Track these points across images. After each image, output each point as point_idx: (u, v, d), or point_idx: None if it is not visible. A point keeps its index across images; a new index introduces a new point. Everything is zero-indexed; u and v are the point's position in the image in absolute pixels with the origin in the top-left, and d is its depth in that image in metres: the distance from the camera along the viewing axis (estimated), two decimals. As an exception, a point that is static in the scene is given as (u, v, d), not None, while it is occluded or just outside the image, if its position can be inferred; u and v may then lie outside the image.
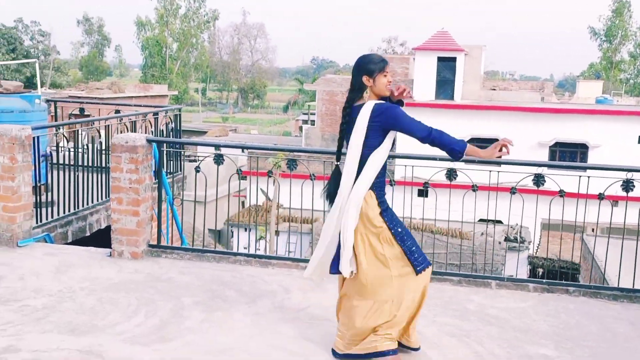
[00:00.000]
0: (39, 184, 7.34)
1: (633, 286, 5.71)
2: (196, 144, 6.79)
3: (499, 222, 23.22)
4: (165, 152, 7.04)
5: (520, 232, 25.05)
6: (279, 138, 44.93)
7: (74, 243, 7.18)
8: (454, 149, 3.86)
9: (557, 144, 27.53)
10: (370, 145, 3.91)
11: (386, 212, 4.00)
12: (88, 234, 7.52)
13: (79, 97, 31.73)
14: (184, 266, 5.98)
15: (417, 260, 4.01)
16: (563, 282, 5.69)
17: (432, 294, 5.46)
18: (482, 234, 24.01)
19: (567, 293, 5.59)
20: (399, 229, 4.00)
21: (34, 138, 6.48)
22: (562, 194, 5.69)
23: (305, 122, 51.32)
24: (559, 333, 4.78)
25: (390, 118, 3.86)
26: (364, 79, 3.93)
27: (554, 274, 21.51)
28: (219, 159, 6.01)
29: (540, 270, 25.62)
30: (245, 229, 25.52)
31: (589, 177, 5.56)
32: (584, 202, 5.80)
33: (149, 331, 4.51)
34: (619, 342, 4.69)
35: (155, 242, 6.31)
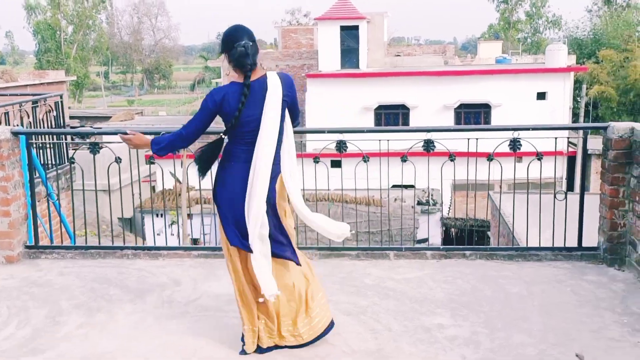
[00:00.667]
0: None
1: (540, 240, 5.74)
2: (68, 134, 6.31)
3: (411, 186, 23.62)
4: (39, 144, 6.52)
5: (431, 195, 25.48)
6: (187, 117, 43.84)
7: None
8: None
9: (461, 106, 28.05)
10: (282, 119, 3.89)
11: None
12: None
13: None
14: (65, 266, 5.56)
15: None
16: (459, 246, 5.64)
17: (329, 270, 5.33)
18: (396, 199, 24.29)
19: (465, 257, 5.54)
20: None
21: None
22: (452, 158, 5.60)
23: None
24: (454, 300, 4.71)
25: (292, 87, 3.94)
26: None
27: (467, 233, 22.09)
28: (94, 148, 5.58)
29: (453, 231, 26.27)
30: (158, 215, 24.81)
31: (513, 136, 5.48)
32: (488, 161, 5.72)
33: (20, 343, 4.12)
34: (513, 303, 4.66)
35: (34, 243, 5.83)
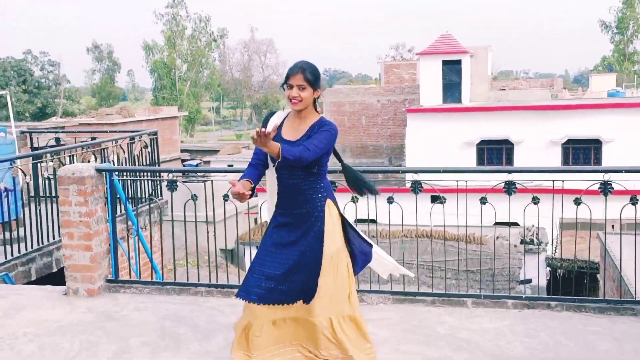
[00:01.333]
0: (6, 220, 7.09)
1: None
2: (145, 171, 6.48)
3: (515, 224, 22.69)
4: (127, 181, 6.72)
5: (536, 234, 24.40)
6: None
7: (38, 281, 6.88)
8: None
9: (569, 141, 26.84)
10: None
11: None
12: (55, 269, 7.22)
13: (62, 128, 31.41)
14: (142, 301, 5.63)
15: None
16: (544, 296, 5.25)
17: (401, 317, 5.10)
18: (498, 237, 23.44)
19: (550, 308, 5.14)
20: None
21: (-16, 175, 6.20)
22: (578, 202, 5.17)
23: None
24: (534, 356, 4.35)
25: None
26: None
27: (574, 275, 20.88)
28: (172, 185, 5.67)
29: (560, 272, 24.96)
30: (257, 247, 25.15)
31: (604, 178, 5.11)
32: (603, 199, 5.29)
33: (84, 379, 4.16)
34: (601, 363, 4.24)
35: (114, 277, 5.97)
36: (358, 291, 5.46)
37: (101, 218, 5.80)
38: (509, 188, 5.16)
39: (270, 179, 3.80)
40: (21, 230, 7.36)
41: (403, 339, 4.68)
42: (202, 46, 66.85)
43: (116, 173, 5.92)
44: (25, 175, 7.23)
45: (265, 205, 3.91)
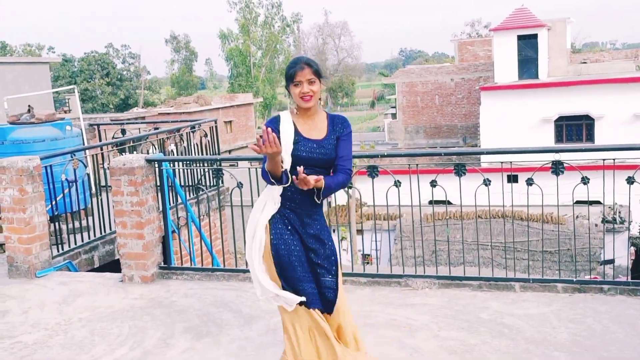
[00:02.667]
0: (74, 210, 7.41)
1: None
2: (195, 160, 6.59)
3: (597, 202, 21.81)
4: (185, 170, 6.86)
5: (618, 212, 23.44)
6: (361, 135, 44.41)
7: (102, 268, 7.17)
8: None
9: (654, 114, 25.53)
10: None
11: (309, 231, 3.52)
12: (116, 257, 7.49)
13: (142, 118, 32.36)
14: (191, 287, 5.78)
15: None
16: (597, 280, 5.03)
17: (445, 302, 5.03)
18: (577, 217, 22.67)
19: (602, 292, 4.93)
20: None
21: (47, 167, 6.49)
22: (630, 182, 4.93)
23: (394, 115, 50.46)
24: (578, 343, 4.18)
25: None
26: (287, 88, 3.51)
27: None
28: (218, 174, 5.76)
29: (645, 252, 23.89)
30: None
31: None
32: None
33: (128, 364, 4.32)
34: (650, 350, 4.04)
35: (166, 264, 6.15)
36: (404, 276, 5.43)
37: (152, 207, 5.97)
38: (557, 168, 4.95)
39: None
40: (90, 219, 7.68)
41: (444, 324, 4.61)
42: (276, 32, 67.33)
43: (166, 163, 6.07)
44: (85, 167, 7.51)
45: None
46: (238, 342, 4.55)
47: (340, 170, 3.49)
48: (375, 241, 22.24)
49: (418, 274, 5.45)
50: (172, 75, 74.17)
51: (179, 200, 7.10)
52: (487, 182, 5.32)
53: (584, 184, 5.02)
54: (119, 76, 57.69)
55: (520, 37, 29.90)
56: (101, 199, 7.44)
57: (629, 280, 4.93)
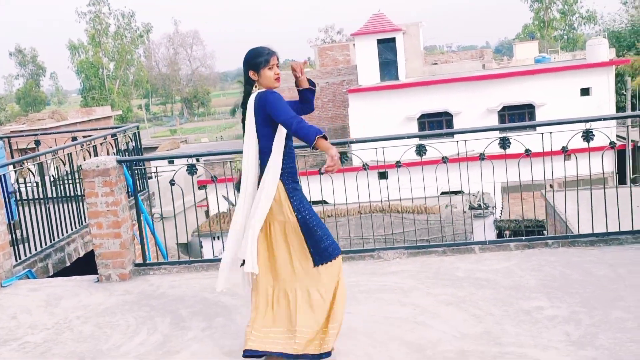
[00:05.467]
0: (11, 222, 7.25)
1: (607, 230, 5.98)
2: (166, 158, 6.82)
3: (461, 192, 23.72)
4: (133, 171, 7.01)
5: (482, 199, 25.50)
6: (232, 142, 44.66)
7: (55, 275, 7.11)
8: (308, 139, 3.67)
9: (504, 108, 28.10)
10: (264, 135, 3.89)
11: (294, 199, 3.93)
12: (68, 264, 7.46)
13: (22, 131, 30.86)
14: (174, 280, 6.01)
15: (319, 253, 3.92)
16: (542, 236, 5.92)
17: (419, 267, 5.66)
18: (447, 206, 24.41)
19: (547, 246, 5.82)
20: (308, 217, 3.93)
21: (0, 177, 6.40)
22: (528, 152, 5.88)
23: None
24: (547, 285, 4.99)
25: (265, 104, 3.81)
26: (250, 73, 3.93)
27: (521, 234, 22.10)
28: (192, 169, 6.04)
29: (507, 233, 26.21)
30: (214, 238, 25.42)
31: (542, 133, 5.82)
32: (541, 160, 6.04)
33: (154, 347, 4.54)
34: (603, 284, 4.92)
35: (141, 261, 6.31)
36: (375, 249, 6.02)
37: (126, 206, 6.12)
38: (504, 144, 5.78)
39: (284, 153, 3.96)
40: (20, 232, 7.54)
41: (429, 284, 5.25)
42: (128, 42, 65.71)
43: (129, 164, 6.24)
44: (34, 176, 7.41)
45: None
46: (252, 318, 4.90)
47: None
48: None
49: (388, 246, 6.07)
50: (17, 91, 69.92)
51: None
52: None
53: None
54: (-43, 93, 53.64)
55: (379, 41, 31.65)
56: (37, 210, 7.33)
57: (568, 234, 5.82)
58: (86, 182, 5.94)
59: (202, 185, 26.73)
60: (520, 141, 5.90)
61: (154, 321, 5.03)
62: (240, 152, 4.21)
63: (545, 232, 21.55)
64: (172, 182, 6.03)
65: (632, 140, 26.09)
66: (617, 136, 27.16)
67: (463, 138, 6.16)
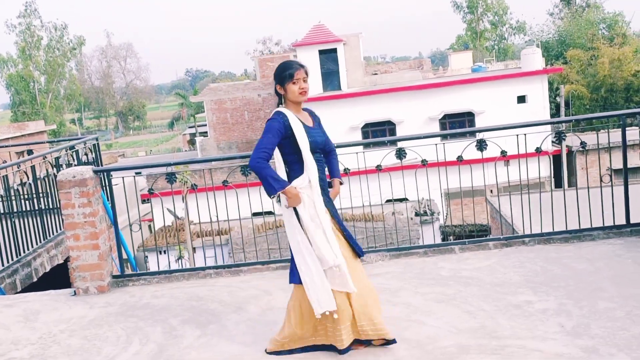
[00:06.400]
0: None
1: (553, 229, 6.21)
2: (146, 167, 6.71)
3: (405, 199, 24.16)
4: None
5: (428, 205, 25.97)
6: (174, 155, 44.11)
7: (23, 291, 6.88)
8: (267, 191, 4.01)
9: (445, 116, 28.80)
10: (282, 151, 4.12)
11: (329, 204, 4.21)
12: (35, 279, 7.22)
13: None
14: (155, 290, 5.92)
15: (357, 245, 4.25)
16: (519, 235, 6.13)
17: (403, 269, 5.76)
18: (393, 213, 24.73)
19: (524, 244, 6.02)
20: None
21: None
22: (459, 159, 6.07)
23: (194, 135, 50.55)
24: (530, 280, 5.17)
25: None
26: (277, 87, 4.13)
27: (466, 238, 22.61)
28: (171, 177, 5.97)
29: (452, 238, 26.79)
30: (161, 252, 24.98)
31: (481, 140, 6.06)
32: (480, 168, 6.35)
33: (151, 357, 4.47)
34: (584, 277, 5.13)
35: (117, 273, 6.18)
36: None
37: (102, 217, 5.99)
38: (400, 154, 5.96)
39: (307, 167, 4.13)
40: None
41: (415, 284, 5.35)
42: (60, 55, 63.97)
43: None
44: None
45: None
46: (244, 323, 4.89)
47: (332, 151, 4.39)
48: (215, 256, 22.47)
49: (370, 249, 6.15)
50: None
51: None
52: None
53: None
54: None
55: (321, 52, 31.95)
56: None
57: (543, 232, 6.05)
58: (62, 193, 5.79)
59: (146, 199, 26.30)
60: (457, 148, 6.15)
61: (144, 331, 4.95)
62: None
63: (489, 235, 22.18)
64: (150, 191, 5.94)
65: (567, 146, 27.15)
66: (552, 142, 28.23)
67: (406, 145, 6.31)
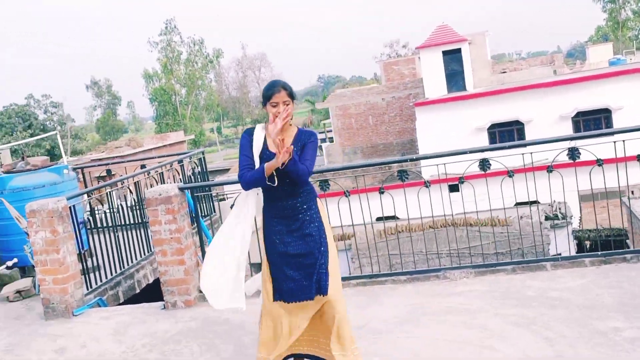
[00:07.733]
0: (82, 251, 7.45)
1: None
2: (225, 184, 6.86)
3: (536, 202, 23.02)
4: (197, 197, 7.11)
5: (559, 208, 24.65)
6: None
7: (125, 302, 7.24)
8: (260, 178, 3.84)
9: (579, 114, 27.15)
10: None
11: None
12: (138, 290, 7.58)
13: (101, 160, 32.17)
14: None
15: None
16: (619, 250, 5.59)
17: (488, 287, 5.44)
18: (522, 217, 23.70)
19: (625, 261, 5.49)
20: None
21: (70, 207, 6.57)
22: (600, 163, 5.58)
23: (323, 140, 51.38)
24: (626, 303, 4.69)
25: None
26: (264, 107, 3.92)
27: (603, 244, 21.16)
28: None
29: (588, 243, 25.22)
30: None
31: (614, 142, 5.51)
32: (615, 166, 5.73)
33: (218, 376, 4.52)
34: (689, 301, 4.58)
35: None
36: (441, 269, 5.83)
37: (189, 233, 6.17)
38: (573, 154, 5.50)
39: (255, 195, 4.09)
40: (92, 259, 7.73)
41: (497, 304, 5.03)
42: (199, 68, 67.39)
43: (196, 189, 6.29)
44: (103, 205, 7.60)
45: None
46: (314, 344, 4.81)
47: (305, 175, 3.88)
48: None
49: (454, 265, 5.87)
50: (96, 121, 72.78)
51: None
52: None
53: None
54: (42, 127, 56.20)
55: (445, 53, 31.26)
56: (106, 238, 7.50)
57: (647, 247, 5.48)
58: (150, 210, 6.02)
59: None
60: (591, 151, 5.61)
61: (217, 349, 5.02)
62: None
63: (628, 240, 20.60)
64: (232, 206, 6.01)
65: None
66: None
67: (533, 150, 5.87)
